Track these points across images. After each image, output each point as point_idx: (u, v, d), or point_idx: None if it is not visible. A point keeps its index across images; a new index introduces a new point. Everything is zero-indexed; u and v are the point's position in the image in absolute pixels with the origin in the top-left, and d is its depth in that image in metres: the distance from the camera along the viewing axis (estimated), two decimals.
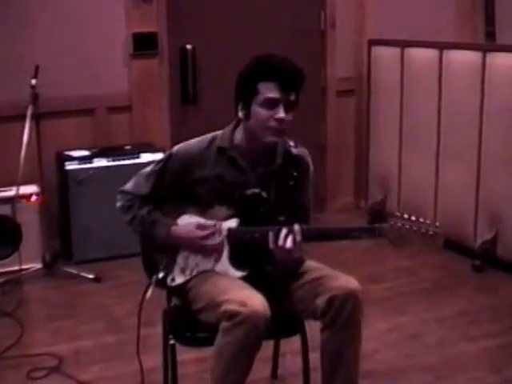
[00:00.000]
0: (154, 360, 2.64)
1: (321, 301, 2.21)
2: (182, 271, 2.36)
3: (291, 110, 2.27)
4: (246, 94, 2.26)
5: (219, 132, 2.39)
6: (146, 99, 4.42)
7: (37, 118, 3.89)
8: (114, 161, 4.13)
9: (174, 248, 2.38)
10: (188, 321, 2.34)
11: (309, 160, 2.43)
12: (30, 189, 3.98)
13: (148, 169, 2.43)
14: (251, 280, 2.30)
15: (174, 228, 2.35)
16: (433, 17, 4.94)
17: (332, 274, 2.30)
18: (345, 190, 5.01)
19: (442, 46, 4.17)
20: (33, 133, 3.86)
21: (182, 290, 2.37)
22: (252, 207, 2.32)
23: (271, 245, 2.21)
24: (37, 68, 3.90)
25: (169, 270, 2.38)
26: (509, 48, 3.85)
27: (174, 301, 2.44)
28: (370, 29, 4.87)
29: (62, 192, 4.14)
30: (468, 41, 4.93)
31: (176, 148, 2.41)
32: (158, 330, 2.48)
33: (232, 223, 2.33)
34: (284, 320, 2.33)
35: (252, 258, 2.33)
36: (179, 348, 2.36)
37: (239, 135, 2.35)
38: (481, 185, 3.98)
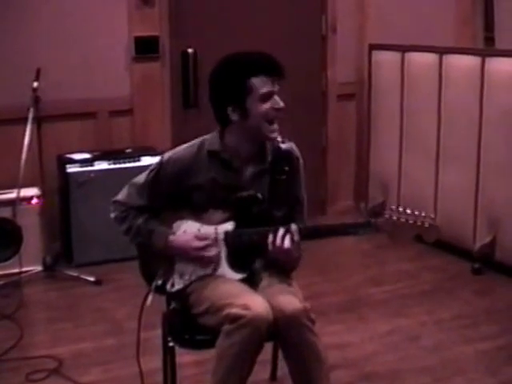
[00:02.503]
0: (153, 362, 2.64)
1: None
2: (181, 276, 2.37)
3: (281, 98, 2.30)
4: (237, 93, 2.24)
5: (206, 136, 2.39)
6: (148, 103, 4.44)
7: (38, 121, 3.91)
8: (115, 164, 4.14)
9: (171, 257, 2.38)
10: (187, 323, 2.35)
11: (298, 153, 2.43)
12: (31, 191, 3.99)
13: (141, 179, 2.41)
14: (250, 281, 2.31)
15: (171, 238, 2.35)
16: (432, 22, 4.96)
17: (276, 291, 2.27)
18: (345, 192, 5.02)
19: (441, 51, 4.19)
20: (34, 136, 3.88)
21: (181, 295, 2.38)
22: (247, 209, 2.32)
23: (270, 246, 2.21)
24: (38, 71, 3.92)
25: (167, 276, 2.38)
26: (507, 53, 3.87)
27: (174, 305, 2.45)
28: (370, 34, 4.89)
29: (63, 195, 4.15)
30: (467, 46, 4.94)
31: (166, 156, 2.40)
32: (158, 332, 2.48)
33: (228, 226, 2.33)
34: None
35: (250, 259, 2.34)
36: (178, 350, 2.37)
37: (229, 137, 2.34)
38: (480, 188, 3.99)
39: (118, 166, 4.14)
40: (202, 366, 2.89)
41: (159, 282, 2.37)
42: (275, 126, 2.30)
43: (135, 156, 4.18)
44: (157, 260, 2.40)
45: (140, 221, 2.37)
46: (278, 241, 2.19)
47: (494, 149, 3.89)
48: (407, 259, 4.19)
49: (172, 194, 2.37)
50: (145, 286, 2.43)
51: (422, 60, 4.34)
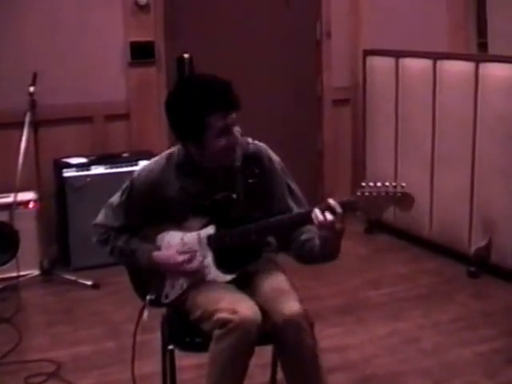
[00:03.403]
0: (152, 366, 2.65)
1: (266, 326, 2.20)
2: (173, 287, 2.37)
3: (236, 125, 2.27)
4: (194, 131, 2.22)
5: (173, 149, 2.39)
6: (144, 107, 4.45)
7: (35, 126, 3.91)
8: (111, 168, 4.15)
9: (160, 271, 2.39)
10: (187, 326, 2.34)
11: (268, 153, 2.40)
12: (28, 195, 4.00)
13: (115, 200, 2.42)
14: (241, 281, 2.32)
15: (154, 254, 2.35)
16: (426, 28, 5.00)
17: (274, 294, 2.26)
18: (341, 197, 5.01)
19: (435, 57, 4.21)
20: (31, 140, 3.89)
21: (177, 304, 2.38)
22: (224, 210, 2.32)
23: (315, 224, 2.13)
24: (35, 75, 3.93)
25: (160, 289, 2.38)
26: (500, 58, 3.89)
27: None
28: (364, 39, 4.92)
29: (60, 199, 4.16)
30: (461, 51, 4.97)
31: (136, 173, 2.41)
32: (157, 336, 2.48)
33: (210, 230, 2.33)
34: None
35: (237, 259, 2.34)
36: (178, 354, 2.36)
37: (194, 154, 2.32)
38: (475, 192, 4.01)
39: (114, 170, 4.14)
40: (202, 369, 2.84)
41: (153, 297, 2.37)
42: (232, 154, 2.29)
43: (132, 160, 4.19)
44: (146, 275, 2.40)
45: (121, 242, 2.38)
46: (320, 216, 2.11)
47: (489, 153, 3.91)
48: (404, 262, 4.21)
49: (148, 208, 2.37)
50: None
51: (416, 65, 4.37)
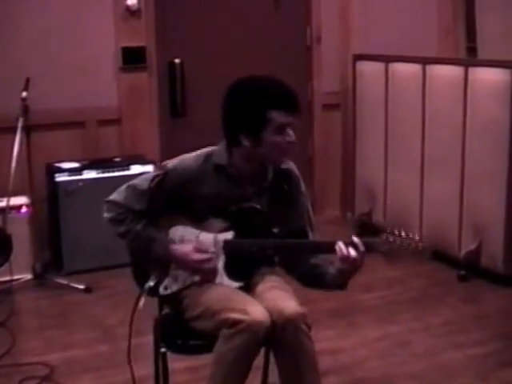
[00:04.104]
0: (145, 369, 2.63)
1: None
2: (175, 279, 2.37)
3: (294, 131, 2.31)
4: (254, 123, 2.24)
5: (213, 148, 2.38)
6: (136, 112, 4.47)
7: (27, 130, 3.92)
8: (103, 173, 4.15)
9: (167, 264, 2.37)
10: (179, 329, 2.35)
11: (297, 172, 2.45)
12: (21, 200, 4.00)
13: (142, 184, 2.36)
14: (245, 290, 2.32)
15: (171, 248, 2.33)
16: (416, 33, 5.03)
17: (275, 295, 2.28)
18: (332, 202, 5.06)
19: (425, 61, 4.25)
20: (23, 145, 3.89)
21: (174, 298, 2.38)
22: (247, 220, 2.33)
23: (337, 256, 2.20)
24: (27, 81, 3.93)
25: (161, 279, 2.37)
26: (489, 63, 3.93)
27: (166, 309, 2.44)
28: (354, 44, 4.95)
29: (52, 203, 4.16)
30: (450, 56, 5.01)
31: (171, 165, 2.38)
32: (150, 339, 2.47)
33: (228, 235, 2.34)
34: None
35: (248, 269, 2.36)
36: (170, 357, 2.36)
37: (235, 155, 2.34)
38: (464, 196, 4.04)
39: (106, 174, 4.15)
40: (195, 372, 2.91)
41: (151, 284, 2.36)
42: (285, 158, 2.33)
43: (124, 165, 4.20)
44: (150, 262, 2.38)
45: (139, 226, 2.35)
46: (344, 250, 2.18)
47: (478, 157, 3.94)
48: (395, 266, 4.23)
49: (174, 201, 2.36)
50: (135, 292, 2.42)
51: (406, 70, 4.40)
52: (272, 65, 4.85)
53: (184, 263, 2.34)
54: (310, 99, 4.99)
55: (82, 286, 3.89)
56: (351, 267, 2.20)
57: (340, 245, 2.19)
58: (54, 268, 4.15)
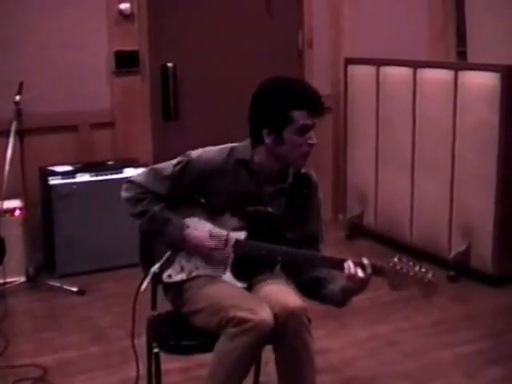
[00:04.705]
0: (139, 367, 2.61)
1: None
2: (181, 270, 2.38)
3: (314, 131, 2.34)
4: (277, 120, 2.27)
5: (236, 144, 2.42)
6: (129, 116, 4.49)
7: (21, 134, 3.93)
8: (96, 176, 4.17)
9: (178, 248, 2.38)
10: (172, 329, 2.37)
11: (316, 178, 2.48)
12: (14, 203, 4.01)
13: (166, 169, 2.39)
14: (247, 290, 2.35)
15: (187, 231, 2.35)
16: (407, 37, 5.07)
17: (277, 290, 2.31)
18: (323, 204, 5.02)
19: (415, 65, 4.28)
20: (17, 148, 3.90)
21: (176, 289, 2.39)
22: (262, 224, 2.35)
23: (345, 274, 2.22)
24: (21, 84, 3.95)
25: (167, 265, 2.38)
26: (479, 67, 3.97)
27: (169, 296, 2.44)
28: (346, 48, 4.99)
29: (46, 206, 4.18)
30: (441, 60, 5.05)
31: (195, 154, 2.39)
32: (143, 340, 2.49)
33: (240, 235, 2.35)
34: None
35: (254, 271, 2.38)
36: (163, 357, 2.38)
37: (259, 154, 2.37)
38: (454, 198, 4.08)
39: (99, 178, 4.17)
40: (187, 372, 2.94)
41: (157, 269, 2.36)
42: (304, 160, 2.34)
43: (117, 168, 4.22)
44: (159, 246, 2.39)
45: (157, 208, 2.36)
46: (352, 269, 2.20)
47: (468, 159, 3.97)
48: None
49: (192, 190, 2.38)
50: (128, 295, 2.43)
51: (397, 74, 4.43)
52: (264, 68, 4.85)
53: (198, 248, 2.35)
54: None
55: (74, 289, 3.90)
56: (356, 287, 2.24)
57: (349, 263, 2.21)
58: (47, 271, 4.16)
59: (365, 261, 2.22)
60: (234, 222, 2.36)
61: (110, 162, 4.34)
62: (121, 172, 4.19)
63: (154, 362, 2.39)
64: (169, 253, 2.38)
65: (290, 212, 2.39)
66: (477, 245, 3.97)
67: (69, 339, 3.40)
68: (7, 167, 3.76)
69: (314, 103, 2.28)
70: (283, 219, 2.38)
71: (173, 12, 4.61)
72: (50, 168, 4.18)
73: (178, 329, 2.36)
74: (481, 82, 3.88)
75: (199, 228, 2.38)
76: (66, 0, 4.27)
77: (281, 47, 4.91)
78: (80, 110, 4.34)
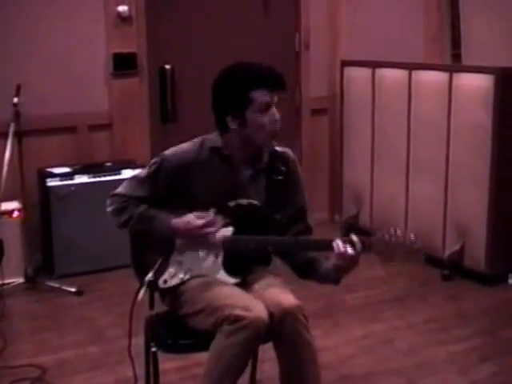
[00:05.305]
0: (136, 369, 2.59)
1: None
2: (175, 274, 2.39)
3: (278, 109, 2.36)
4: (237, 104, 2.30)
5: (207, 136, 2.44)
6: (127, 117, 4.51)
7: (19, 136, 3.95)
8: (95, 177, 4.19)
9: (169, 247, 2.40)
10: (170, 328, 2.38)
11: (294, 157, 2.49)
12: (12, 205, 4.03)
13: (142, 172, 2.42)
14: (242, 287, 2.36)
15: (174, 220, 2.34)
16: (402, 39, 5.10)
17: (272, 289, 2.33)
18: (320, 204, 5.06)
19: (411, 67, 4.31)
20: (15, 150, 3.92)
21: (172, 293, 2.40)
22: (246, 217, 2.36)
23: (335, 252, 2.23)
24: (19, 86, 3.97)
25: (160, 272, 2.39)
26: (473, 69, 3.99)
27: (164, 302, 2.46)
28: (342, 50, 5.02)
29: (44, 208, 4.20)
30: (436, 62, 5.08)
31: (168, 153, 2.42)
32: (141, 340, 2.49)
33: (227, 232, 2.37)
34: None
35: (245, 265, 2.40)
36: (161, 357, 2.39)
37: (229, 141, 2.39)
38: (448, 199, 4.10)
39: (98, 179, 4.19)
40: (184, 371, 2.96)
41: (152, 279, 2.36)
42: (272, 138, 2.36)
43: (115, 169, 4.24)
44: (151, 254, 2.41)
45: (141, 208, 2.38)
46: (341, 248, 2.21)
47: (462, 160, 4.00)
48: (380, 266, 4.29)
49: (172, 189, 2.39)
50: (126, 295, 2.45)
51: (392, 76, 4.46)
52: None
53: (188, 232, 2.34)
54: (298, 104, 5.04)
55: (73, 289, 3.92)
56: (347, 264, 2.24)
57: (338, 242, 2.22)
58: (46, 271, 4.17)
59: (354, 237, 2.22)
60: (220, 219, 2.37)
61: (108, 164, 4.36)
62: (119, 173, 4.21)
63: (152, 361, 2.40)
64: (160, 260, 2.39)
65: (273, 192, 2.40)
66: (470, 245, 3.99)
67: (67, 339, 3.41)
68: (5, 169, 3.77)
69: (270, 79, 2.31)
70: (267, 201, 2.38)
71: (170, 14, 4.64)
72: (49, 169, 4.20)
73: (176, 328, 2.37)
74: (475, 84, 3.90)
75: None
76: (65, 3, 4.29)
77: (278, 49, 4.93)
78: (78, 111, 4.36)
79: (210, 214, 2.36)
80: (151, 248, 2.42)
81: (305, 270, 2.42)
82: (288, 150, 2.49)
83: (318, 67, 5.03)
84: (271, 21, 4.92)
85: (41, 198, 4.24)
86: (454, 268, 4.05)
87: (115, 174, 4.20)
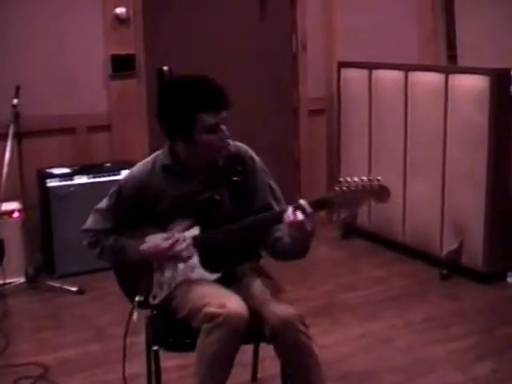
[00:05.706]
0: (138, 367, 2.69)
1: (265, 328, 2.25)
2: (161, 287, 2.43)
3: (226, 124, 2.35)
4: (184, 125, 2.29)
5: (158, 152, 2.47)
6: (125, 118, 4.52)
7: (18, 137, 3.97)
8: (94, 178, 4.22)
9: (148, 268, 2.44)
10: (171, 327, 2.40)
11: (249, 152, 2.46)
12: (12, 205, 4.05)
13: (103, 204, 2.48)
14: (226, 280, 2.39)
15: (142, 247, 2.40)
16: (398, 41, 5.13)
17: (268, 298, 2.31)
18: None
19: (407, 68, 4.33)
20: (14, 151, 3.94)
21: (165, 303, 2.44)
22: (208, 212, 2.38)
23: (285, 223, 2.18)
24: (18, 88, 3.99)
25: (148, 291, 2.44)
26: (469, 70, 4.02)
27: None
28: (339, 52, 5.05)
29: (44, 208, 4.22)
30: (431, 63, 5.11)
31: (124, 178, 2.50)
32: (142, 338, 2.53)
33: (195, 231, 2.39)
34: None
35: (221, 258, 2.41)
36: (162, 355, 2.41)
37: (180, 155, 2.39)
38: (446, 198, 4.13)
39: (97, 179, 4.21)
40: (186, 369, 2.94)
41: (141, 299, 2.42)
42: (225, 150, 2.36)
43: (114, 170, 4.26)
44: (134, 277, 2.46)
45: (111, 240, 2.44)
46: (291, 216, 2.15)
47: (458, 160, 4.02)
48: (379, 266, 4.31)
49: (136, 211, 2.43)
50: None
51: (389, 77, 4.48)
52: (259, 71, 4.94)
53: (158, 255, 2.39)
54: (296, 105, 5.07)
55: (74, 288, 3.94)
56: (301, 232, 2.16)
57: (287, 211, 2.17)
58: (47, 271, 4.19)
59: (302, 202, 2.16)
60: (184, 222, 2.40)
61: (107, 164, 4.38)
62: (118, 174, 4.21)
63: (153, 359, 2.42)
64: (143, 281, 2.44)
65: (234, 192, 2.40)
66: (468, 243, 4.01)
67: (69, 338, 3.43)
68: (5, 170, 3.80)
69: (215, 100, 2.29)
70: (229, 201, 2.39)
71: (168, 16, 4.65)
72: (48, 170, 4.22)
73: (177, 326, 2.39)
74: (471, 85, 3.93)
75: (152, 240, 2.43)
76: (63, 4, 4.31)
77: (275, 51, 4.96)
78: (77, 113, 4.38)
79: (175, 234, 2.39)
80: (132, 271, 2.47)
81: (275, 251, 2.39)
82: (243, 147, 2.47)
83: (315, 68, 5.05)
84: (268, 22, 4.94)
85: (41, 199, 4.26)
86: (451, 267, 4.07)
87: (114, 175, 4.22)
